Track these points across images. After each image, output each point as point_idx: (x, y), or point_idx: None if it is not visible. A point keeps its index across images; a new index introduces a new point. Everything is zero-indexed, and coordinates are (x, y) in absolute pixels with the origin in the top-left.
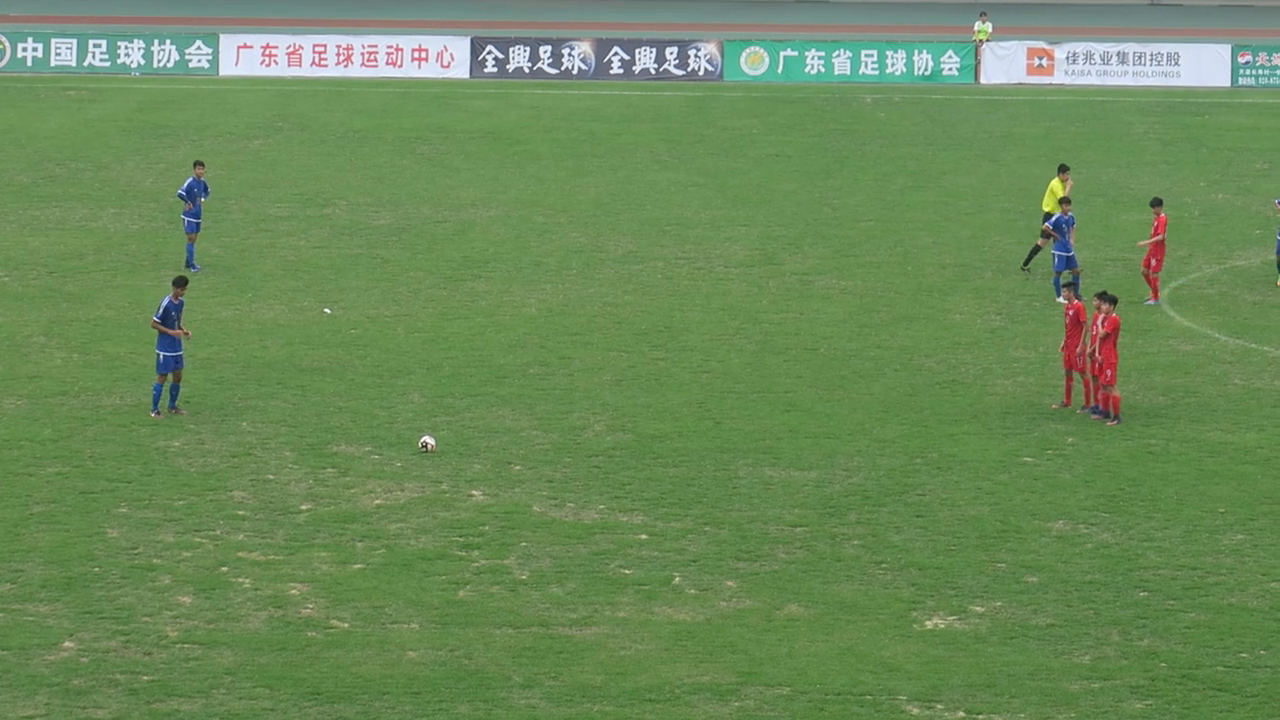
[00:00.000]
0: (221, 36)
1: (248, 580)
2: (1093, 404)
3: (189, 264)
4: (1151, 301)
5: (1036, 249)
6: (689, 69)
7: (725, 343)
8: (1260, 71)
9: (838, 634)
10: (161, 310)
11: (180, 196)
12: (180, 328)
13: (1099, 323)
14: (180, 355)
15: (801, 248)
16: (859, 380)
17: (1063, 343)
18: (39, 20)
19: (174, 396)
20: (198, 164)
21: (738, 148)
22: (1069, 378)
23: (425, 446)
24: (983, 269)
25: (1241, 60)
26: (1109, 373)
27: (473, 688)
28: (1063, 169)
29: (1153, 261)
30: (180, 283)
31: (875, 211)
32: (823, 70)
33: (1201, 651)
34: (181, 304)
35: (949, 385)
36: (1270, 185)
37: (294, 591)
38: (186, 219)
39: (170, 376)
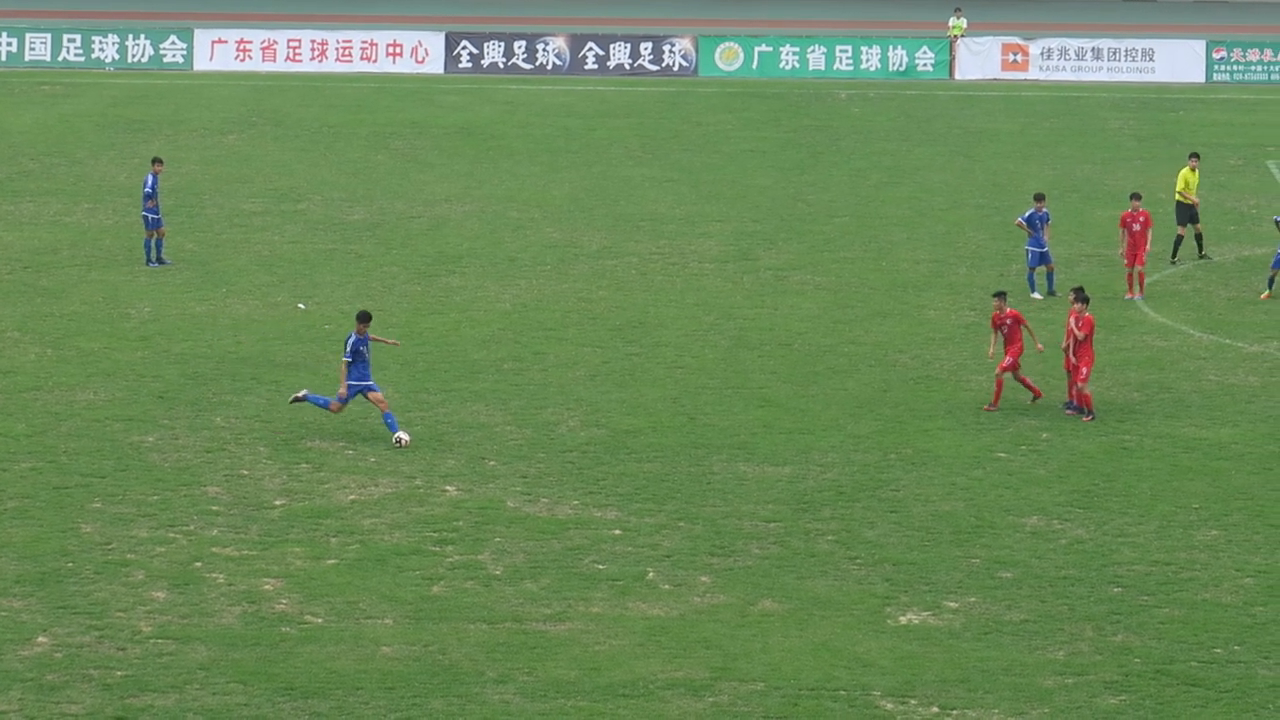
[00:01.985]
0: (196, 31)
1: (221, 575)
2: (1069, 400)
3: (148, 260)
4: (1135, 297)
5: (1199, 237)
6: (664, 64)
7: (699, 338)
8: (1234, 67)
9: (811, 629)
10: (350, 349)
11: (148, 194)
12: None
13: (1074, 323)
14: (367, 383)
15: (776, 243)
16: (833, 376)
17: (1004, 348)
18: (12, 15)
19: (390, 422)
20: (156, 161)
21: (712, 143)
22: (1000, 381)
23: (400, 442)
24: (957, 265)
25: (1216, 56)
26: (1085, 371)
27: (446, 683)
28: (1193, 156)
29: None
30: (364, 318)
31: (850, 207)
32: (797, 65)
33: (1175, 647)
34: (367, 338)
35: (923, 381)
36: (1244, 181)
37: (268, 587)
38: (149, 215)
39: (340, 405)
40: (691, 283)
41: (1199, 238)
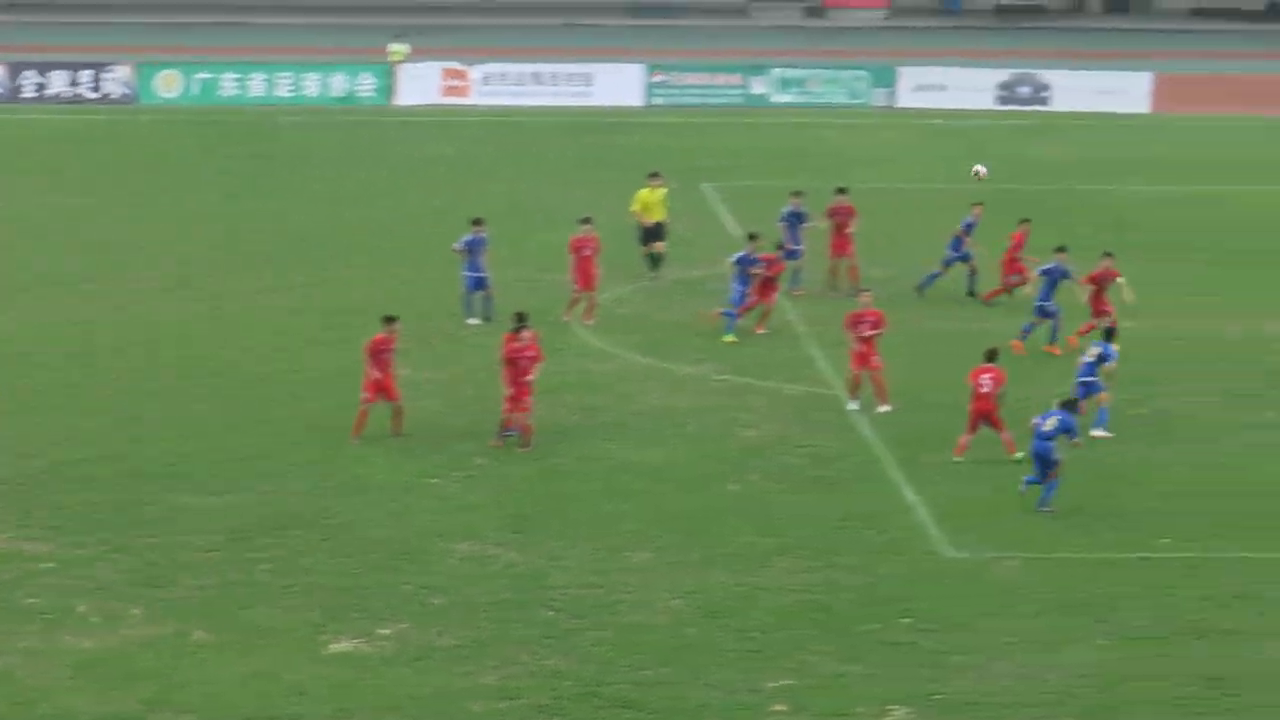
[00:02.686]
0: None
1: None
2: (507, 428)
3: None
4: (569, 319)
5: (653, 256)
6: (103, 92)
7: (140, 367)
8: (672, 91)
9: (248, 658)
10: None
11: None
12: None
13: (522, 353)
14: None
15: (215, 271)
16: (271, 404)
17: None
18: None
19: None
20: None
21: (152, 170)
22: (372, 402)
23: (978, 174)
24: (396, 289)
25: (654, 80)
26: (527, 400)
27: None
28: (653, 175)
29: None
30: None
31: (290, 233)
32: (238, 92)
33: (606, 669)
34: None
35: (358, 408)
36: (680, 204)
37: None
38: None
39: None
40: (130, 311)
41: (653, 257)
